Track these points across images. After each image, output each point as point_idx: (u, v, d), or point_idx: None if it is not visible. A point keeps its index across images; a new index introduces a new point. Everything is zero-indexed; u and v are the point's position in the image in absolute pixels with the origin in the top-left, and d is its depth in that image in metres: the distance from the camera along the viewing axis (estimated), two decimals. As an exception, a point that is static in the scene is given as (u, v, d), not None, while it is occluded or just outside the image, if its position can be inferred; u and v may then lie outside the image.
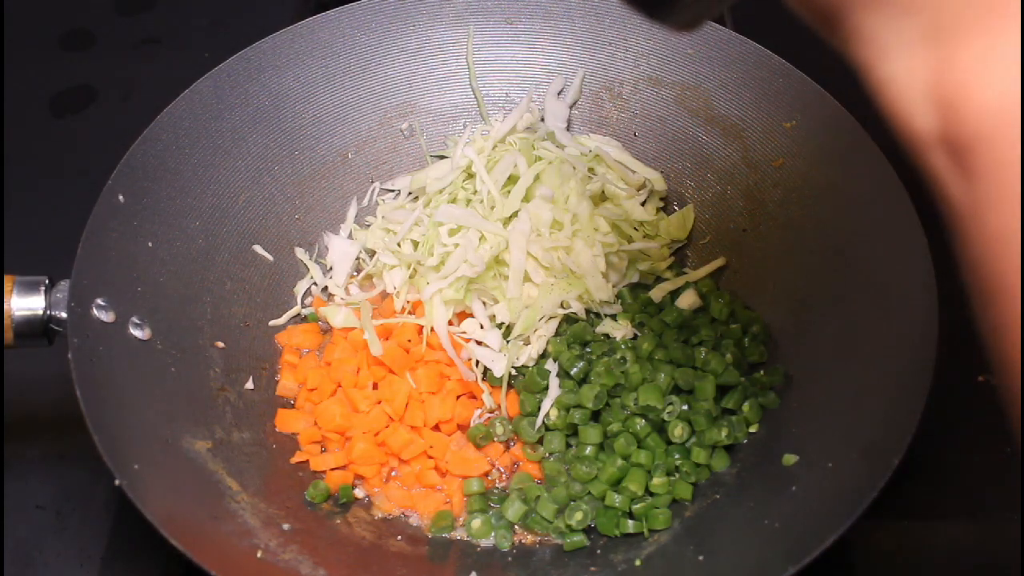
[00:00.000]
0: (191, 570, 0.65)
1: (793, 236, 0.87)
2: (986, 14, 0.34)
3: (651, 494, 0.78)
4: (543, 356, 0.86)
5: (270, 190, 0.91)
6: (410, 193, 0.96)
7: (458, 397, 0.85)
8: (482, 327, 0.87)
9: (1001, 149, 0.34)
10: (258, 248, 0.90)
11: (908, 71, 0.36)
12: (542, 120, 0.96)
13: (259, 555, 0.71)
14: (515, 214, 0.89)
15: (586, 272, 0.87)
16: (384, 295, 0.91)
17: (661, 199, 0.95)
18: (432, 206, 0.92)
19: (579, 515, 0.77)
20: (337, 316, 0.89)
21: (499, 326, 0.87)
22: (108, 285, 0.76)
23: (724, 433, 0.79)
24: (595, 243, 0.87)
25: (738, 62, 0.90)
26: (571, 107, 0.97)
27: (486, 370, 0.86)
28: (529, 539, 0.78)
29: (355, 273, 0.93)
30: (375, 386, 0.85)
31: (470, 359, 0.86)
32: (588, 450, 0.80)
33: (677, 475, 0.79)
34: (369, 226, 0.94)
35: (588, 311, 0.88)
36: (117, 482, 0.66)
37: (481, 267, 0.85)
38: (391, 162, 0.97)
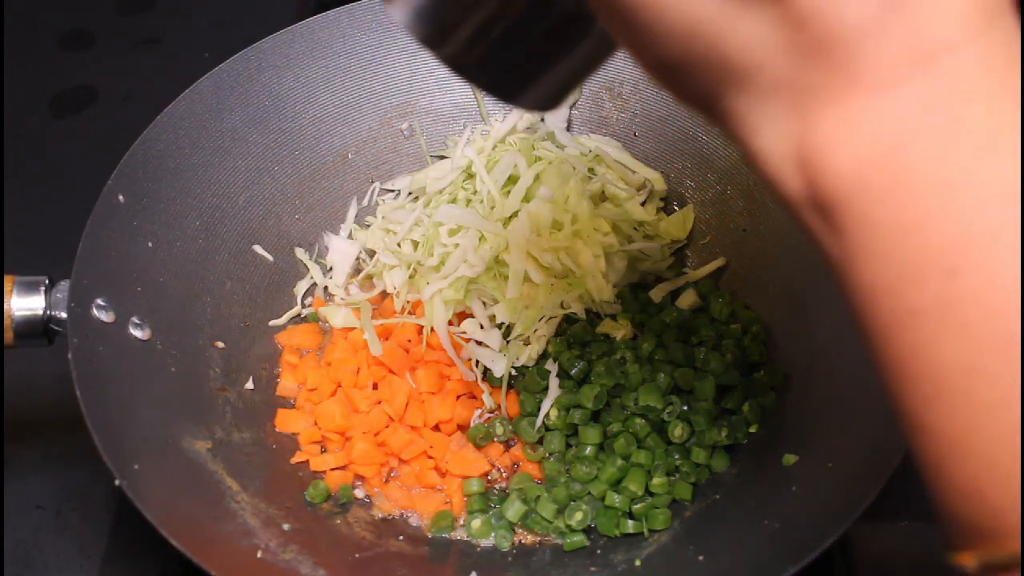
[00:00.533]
0: (191, 570, 0.65)
1: (793, 236, 0.87)
2: (838, 86, 0.37)
3: (651, 494, 0.78)
4: (543, 356, 0.86)
5: (270, 190, 0.91)
6: (410, 193, 0.96)
7: (458, 397, 0.85)
8: (482, 327, 0.87)
9: (864, 206, 0.37)
10: (258, 248, 0.90)
11: (775, 144, 0.40)
12: (542, 120, 0.96)
13: (259, 555, 0.71)
14: (515, 214, 0.89)
15: (586, 272, 0.87)
16: (384, 295, 0.91)
17: (661, 199, 0.95)
18: (432, 206, 0.92)
19: (579, 515, 0.77)
20: (337, 316, 0.89)
21: (499, 326, 0.87)
22: (108, 285, 0.76)
23: (724, 433, 0.79)
24: (595, 243, 0.87)
25: (738, 62, 0.90)
26: (571, 107, 0.97)
27: (486, 370, 0.86)
28: (529, 539, 0.78)
29: (355, 273, 0.93)
30: (375, 386, 0.85)
31: (470, 359, 0.86)
32: (588, 450, 0.80)
33: (677, 475, 0.79)
34: (369, 226, 0.94)
35: (588, 311, 0.88)
36: (117, 482, 0.66)
37: (481, 267, 0.85)
38: (391, 162, 0.97)
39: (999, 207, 0.36)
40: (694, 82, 0.41)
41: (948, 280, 0.36)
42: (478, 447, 0.82)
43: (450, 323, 0.87)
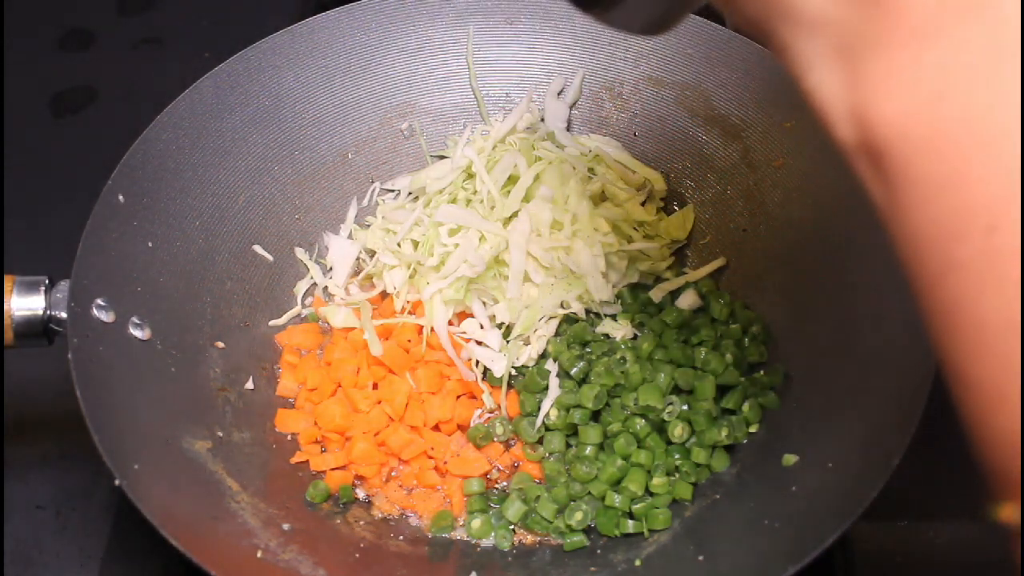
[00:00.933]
0: (191, 570, 0.65)
1: (793, 236, 0.87)
2: (886, 33, 0.38)
3: (651, 494, 0.78)
4: (543, 356, 0.86)
5: (270, 190, 0.91)
6: (410, 193, 0.96)
7: (458, 397, 0.85)
8: (482, 327, 0.87)
9: (906, 157, 0.38)
10: (258, 248, 0.90)
11: (827, 84, 0.41)
12: (542, 120, 0.96)
13: (259, 555, 0.71)
14: (515, 214, 0.89)
15: (586, 272, 0.87)
16: (384, 295, 0.91)
17: (661, 199, 0.95)
18: (432, 206, 0.92)
19: (579, 515, 0.77)
20: (337, 316, 0.89)
21: (499, 326, 0.87)
22: (108, 285, 0.76)
23: (724, 433, 0.79)
24: (595, 243, 0.87)
25: (738, 62, 0.90)
26: (571, 107, 0.97)
27: (486, 370, 0.86)
28: (529, 539, 0.78)
29: (355, 273, 0.93)
30: (375, 386, 0.85)
31: (470, 359, 0.86)
32: (588, 450, 0.80)
33: (677, 475, 0.79)
34: (369, 226, 0.94)
35: (588, 311, 0.88)
36: (117, 482, 0.66)
37: (481, 267, 0.85)
38: (391, 162, 0.97)
39: None
40: (754, 6, 0.42)
41: (988, 235, 0.36)
42: (478, 447, 0.82)
43: (450, 323, 0.87)
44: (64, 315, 0.73)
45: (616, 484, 0.79)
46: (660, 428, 0.80)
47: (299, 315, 0.91)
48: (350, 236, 0.94)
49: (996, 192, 0.36)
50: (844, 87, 0.40)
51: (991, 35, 0.36)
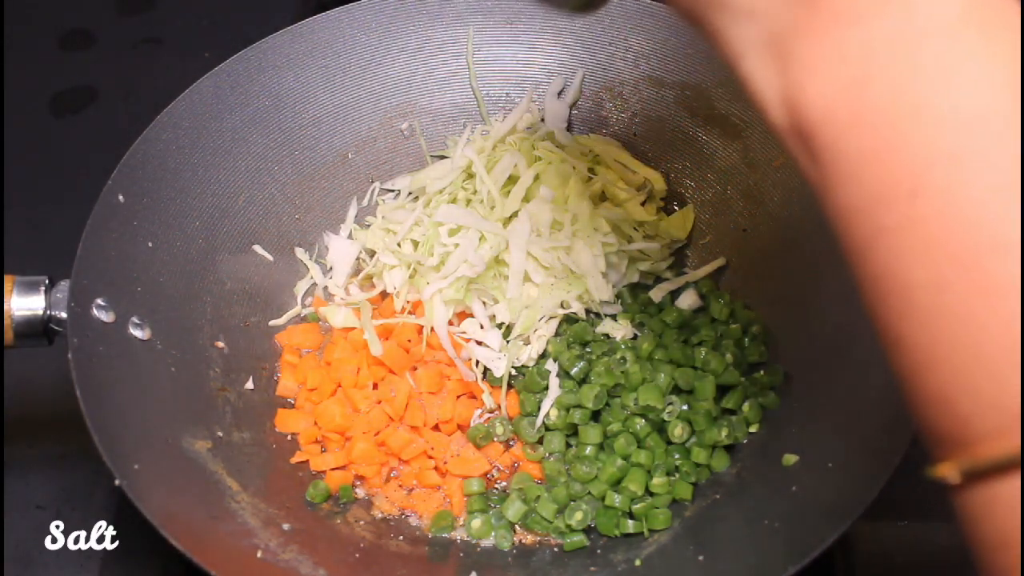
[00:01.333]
0: (191, 570, 0.65)
1: (793, 236, 0.87)
2: (810, 20, 0.40)
3: (651, 494, 0.78)
4: (543, 356, 0.86)
5: (270, 190, 0.91)
6: (410, 193, 0.96)
7: (458, 397, 0.85)
8: (482, 327, 0.87)
9: (833, 136, 0.40)
10: (258, 248, 0.90)
11: (759, 71, 0.43)
12: (542, 120, 0.96)
13: (259, 555, 0.71)
14: (515, 214, 0.89)
15: (586, 272, 0.87)
16: (384, 295, 0.91)
17: (661, 199, 0.95)
18: (432, 206, 0.92)
19: (579, 515, 0.77)
20: (337, 316, 0.89)
21: (499, 326, 0.87)
22: (108, 285, 0.76)
23: (724, 433, 0.79)
24: (595, 243, 0.87)
25: (738, 62, 0.90)
26: (571, 107, 0.97)
27: (486, 370, 0.86)
28: (529, 539, 0.78)
29: (355, 273, 0.93)
30: (375, 386, 0.85)
31: (470, 359, 0.86)
32: (588, 450, 0.80)
33: (677, 475, 0.79)
34: (369, 226, 0.94)
35: (588, 311, 0.88)
36: (117, 482, 0.66)
37: (481, 267, 0.85)
38: (391, 162, 0.97)
39: (958, 133, 0.38)
40: None
41: (911, 201, 0.38)
42: (478, 447, 0.82)
43: (450, 323, 0.87)
44: (64, 315, 0.73)
45: (616, 484, 0.79)
46: (660, 428, 0.80)
47: (299, 315, 0.91)
48: (350, 236, 0.94)
49: (917, 160, 0.38)
50: (775, 73, 0.42)
51: (906, 18, 0.38)
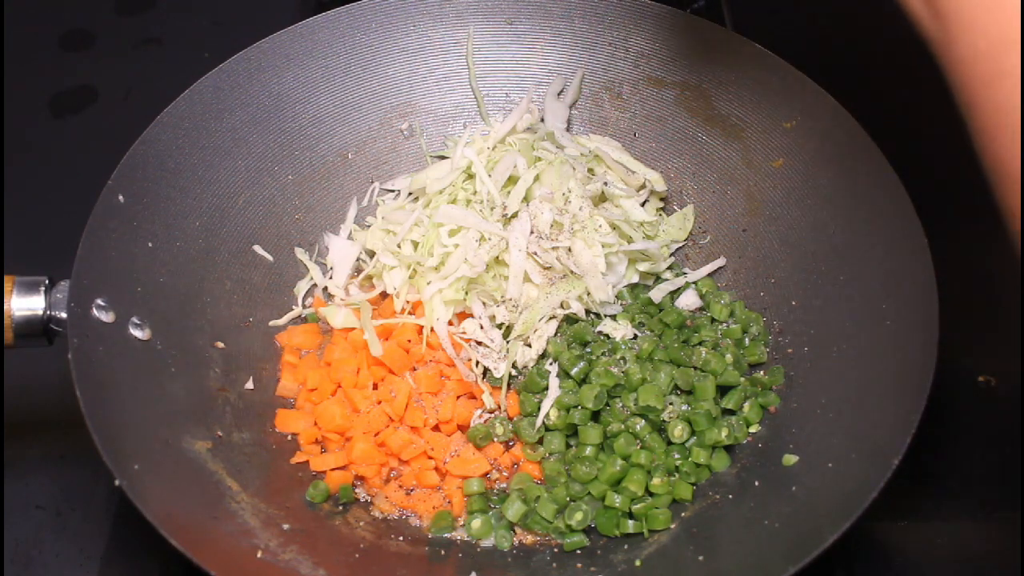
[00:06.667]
0: (191, 570, 0.65)
1: (793, 236, 0.87)
2: None
3: (651, 494, 0.78)
4: (543, 356, 0.86)
5: (270, 190, 0.91)
6: (410, 193, 0.96)
7: (458, 397, 0.85)
8: (482, 327, 0.87)
9: None
10: (258, 248, 0.90)
11: None
12: (542, 120, 0.97)
13: (259, 555, 0.71)
14: (515, 214, 0.89)
15: (586, 272, 0.87)
16: (384, 295, 0.91)
17: (661, 199, 0.95)
18: (432, 207, 0.92)
19: (579, 515, 0.77)
20: (337, 316, 0.89)
21: (499, 326, 0.87)
22: (108, 285, 0.76)
23: (724, 433, 0.79)
24: (595, 243, 0.87)
25: (738, 62, 0.90)
26: (571, 107, 0.97)
27: (486, 370, 0.86)
28: (529, 539, 0.78)
29: (355, 274, 0.93)
30: (375, 386, 0.85)
31: (470, 359, 0.86)
32: (588, 450, 0.80)
33: (677, 475, 0.79)
34: (369, 226, 0.94)
35: (588, 311, 0.88)
36: (117, 482, 0.66)
37: (481, 267, 0.85)
38: (391, 162, 0.97)
39: None
40: None
41: None
42: (478, 447, 0.82)
43: (450, 323, 0.87)
44: (64, 315, 0.73)
45: (616, 484, 0.79)
46: (660, 428, 0.80)
47: (299, 315, 0.91)
48: (350, 236, 0.94)
49: None
50: None
51: None
